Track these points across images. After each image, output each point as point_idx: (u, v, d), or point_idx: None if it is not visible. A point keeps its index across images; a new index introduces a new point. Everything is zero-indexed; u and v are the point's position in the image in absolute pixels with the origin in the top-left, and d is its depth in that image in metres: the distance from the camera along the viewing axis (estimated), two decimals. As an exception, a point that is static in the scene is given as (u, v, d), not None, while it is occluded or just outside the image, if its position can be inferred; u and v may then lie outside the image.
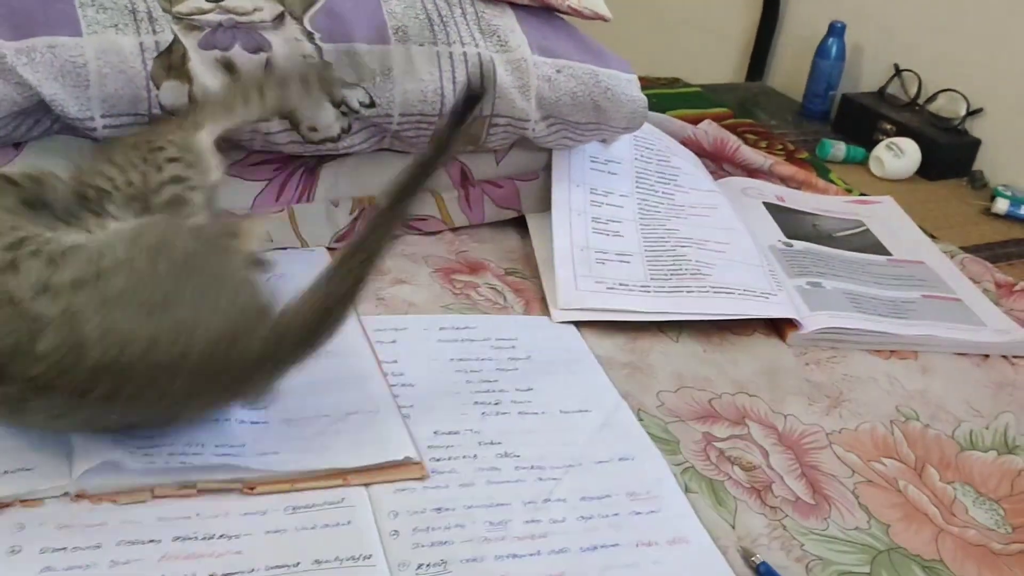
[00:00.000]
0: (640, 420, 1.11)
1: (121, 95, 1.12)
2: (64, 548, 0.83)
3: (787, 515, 1.01)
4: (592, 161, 1.46)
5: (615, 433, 1.08)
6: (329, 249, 1.31)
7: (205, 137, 1.09)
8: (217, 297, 0.90)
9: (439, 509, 0.94)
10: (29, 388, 0.83)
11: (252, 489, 0.92)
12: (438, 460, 1.00)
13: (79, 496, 0.88)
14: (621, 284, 1.30)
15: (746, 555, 0.95)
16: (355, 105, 1.23)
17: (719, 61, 2.46)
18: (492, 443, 1.03)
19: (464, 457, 1.01)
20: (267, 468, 0.94)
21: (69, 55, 1.09)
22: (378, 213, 0.97)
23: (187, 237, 0.95)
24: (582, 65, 1.33)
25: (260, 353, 0.89)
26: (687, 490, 1.02)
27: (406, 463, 0.98)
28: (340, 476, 0.95)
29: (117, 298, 0.84)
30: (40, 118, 1.12)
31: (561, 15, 1.39)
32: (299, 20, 1.21)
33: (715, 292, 1.30)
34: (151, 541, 0.86)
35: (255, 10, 1.20)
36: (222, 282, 0.92)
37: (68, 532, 0.85)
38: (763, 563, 0.93)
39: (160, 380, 0.85)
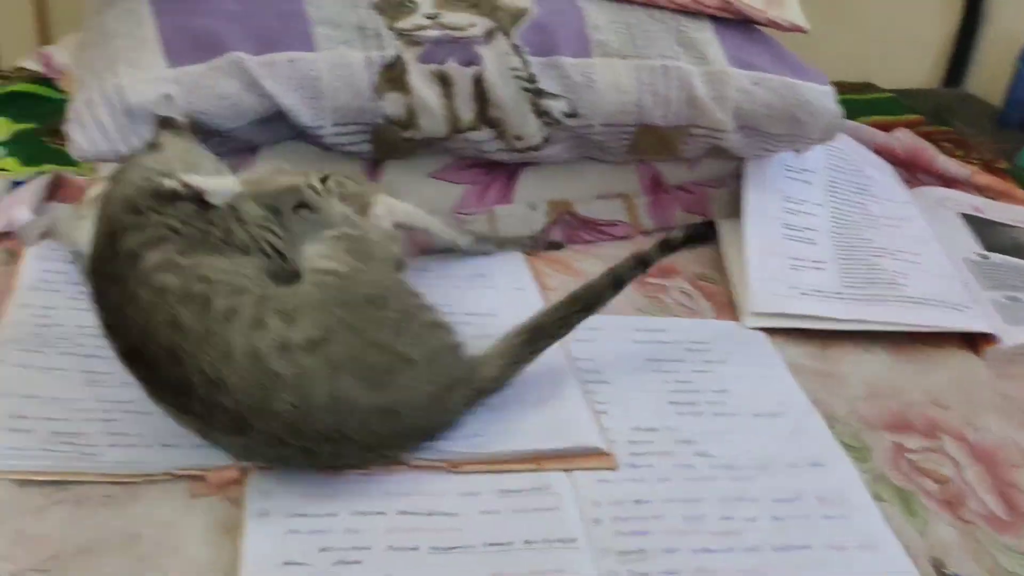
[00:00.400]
0: (831, 427, 1.13)
1: (350, 106, 1.22)
2: (304, 514, 0.93)
3: (980, 528, 1.01)
4: (786, 170, 1.47)
5: (806, 438, 1.10)
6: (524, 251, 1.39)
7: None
8: (427, 356, 0.97)
9: (638, 501, 0.99)
10: (264, 441, 0.91)
11: (456, 467, 1.00)
12: (637, 455, 1.05)
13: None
14: (815, 290, 1.32)
15: (937, 565, 0.96)
16: (558, 115, 1.29)
17: (912, 65, 2.41)
18: (687, 441, 1.08)
19: (661, 453, 1.05)
20: (470, 449, 1.02)
21: (306, 68, 1.20)
22: (567, 304, 1.09)
23: (392, 283, 1.04)
24: (779, 78, 1.35)
25: (464, 407, 1.00)
26: (877, 498, 1.03)
27: (597, 453, 1.04)
28: (535, 460, 1.02)
29: (343, 364, 0.91)
30: (277, 125, 1.23)
31: (759, 27, 1.42)
32: (508, 35, 1.29)
33: (911, 303, 1.30)
34: (378, 513, 0.95)
35: (469, 26, 1.28)
36: (427, 334, 1.00)
37: (308, 499, 0.94)
38: (955, 575, 0.95)
39: (374, 443, 0.94)
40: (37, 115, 1.45)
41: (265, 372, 0.88)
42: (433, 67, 1.25)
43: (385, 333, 0.95)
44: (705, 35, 1.36)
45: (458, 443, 1.03)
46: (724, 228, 1.46)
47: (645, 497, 1.00)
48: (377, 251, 1.08)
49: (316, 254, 1.03)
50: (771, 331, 1.28)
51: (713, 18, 1.38)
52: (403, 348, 0.95)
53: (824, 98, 1.38)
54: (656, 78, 1.32)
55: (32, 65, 1.57)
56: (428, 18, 1.28)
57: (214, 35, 1.20)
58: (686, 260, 1.41)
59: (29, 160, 1.36)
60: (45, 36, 2.21)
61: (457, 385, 0.99)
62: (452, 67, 1.25)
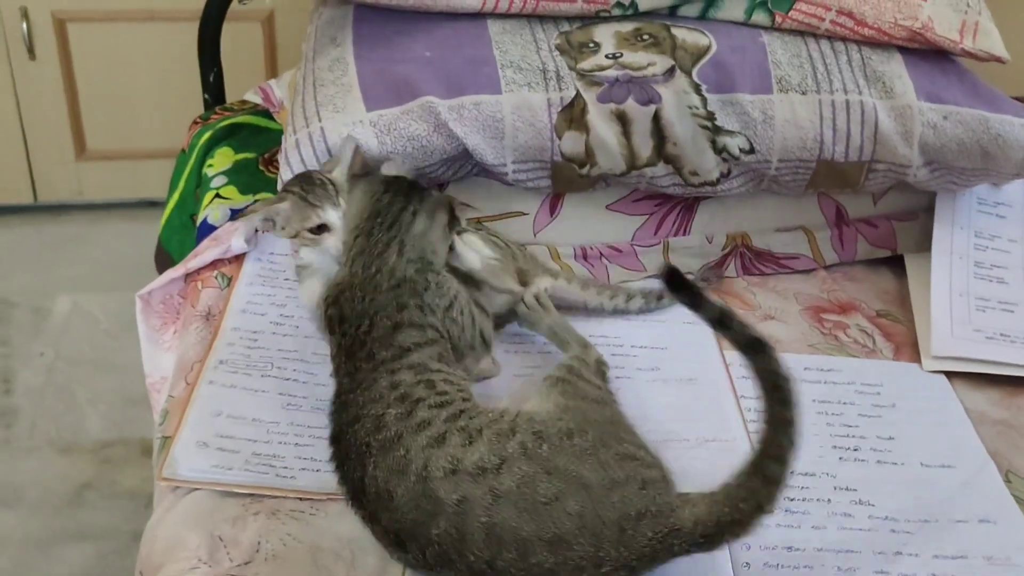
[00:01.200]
0: (1008, 482, 1.09)
1: (529, 145, 1.28)
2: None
3: None
4: (979, 203, 1.42)
5: (977, 492, 1.08)
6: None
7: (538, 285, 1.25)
8: (606, 482, 0.89)
9: (790, 548, 1.00)
10: (419, 561, 0.90)
11: None
12: (792, 500, 1.06)
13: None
14: (1002, 335, 1.27)
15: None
16: (735, 152, 1.31)
17: None
18: (847, 489, 1.07)
19: (818, 500, 1.06)
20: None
21: (490, 111, 1.27)
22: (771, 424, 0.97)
23: (599, 417, 0.98)
24: (971, 111, 1.30)
25: (660, 544, 0.89)
26: (1054, 562, 1.00)
27: (756, 496, 1.05)
28: (692, 503, 1.04)
29: (508, 495, 0.86)
30: (463, 163, 1.31)
31: (954, 57, 1.37)
32: (688, 73, 1.31)
33: (1108, 353, 1.24)
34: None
35: (649, 65, 1.31)
36: (616, 463, 0.91)
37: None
38: None
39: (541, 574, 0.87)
40: (256, 145, 1.59)
41: (428, 495, 0.87)
42: (612, 106, 1.29)
43: (565, 459, 0.89)
44: (892, 67, 1.33)
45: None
46: (912, 263, 1.42)
47: (798, 544, 1.01)
48: (591, 391, 1.04)
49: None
50: (953, 375, 1.24)
51: (903, 50, 1.35)
52: (580, 471, 0.88)
53: (1021, 131, 1.32)
54: (837, 113, 1.30)
55: (253, 98, 1.73)
56: (610, 58, 1.32)
57: (409, 80, 1.28)
58: (868, 295, 1.39)
59: (246, 189, 1.50)
60: (273, 70, 2.43)
61: (645, 517, 0.88)
62: (631, 106, 1.29)
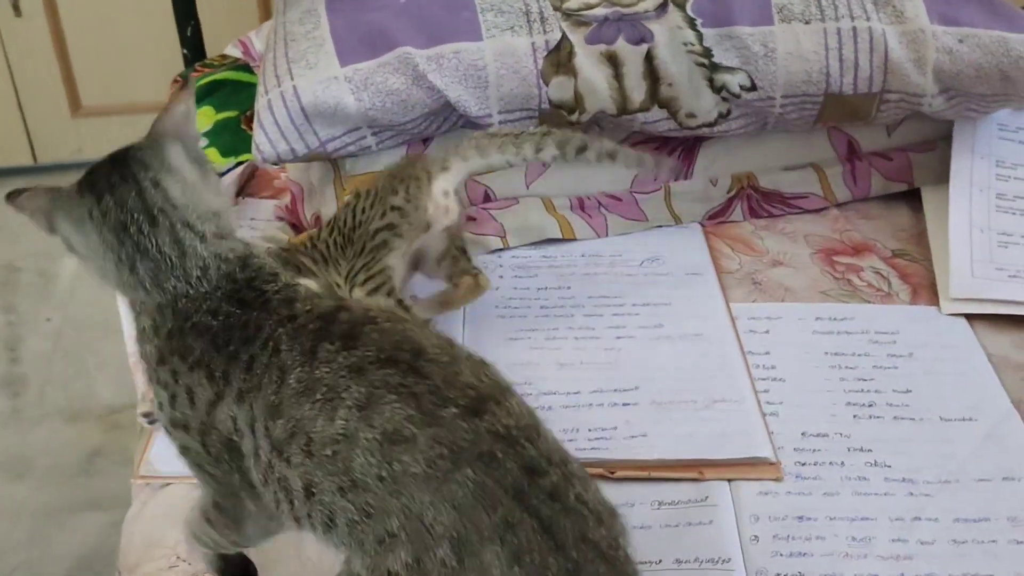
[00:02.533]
0: (1033, 433, 1.03)
1: (515, 93, 1.21)
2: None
3: None
4: (1000, 129, 1.33)
5: (1001, 447, 1.01)
6: (701, 224, 1.33)
7: (441, 183, 1.10)
8: None
9: (801, 517, 0.95)
10: None
11: (612, 473, 0.99)
12: (803, 464, 1.00)
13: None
14: (1026, 272, 1.20)
15: None
16: (736, 90, 1.22)
17: None
18: (862, 450, 1.02)
19: (831, 463, 1.00)
20: (631, 457, 1.00)
21: (471, 59, 1.19)
22: None
23: None
24: (989, 32, 1.21)
25: None
26: (1083, 518, 0.94)
27: (762, 462, 1.00)
28: (696, 468, 0.99)
29: None
30: (447, 116, 1.24)
31: (970, -28, 1.27)
32: (682, 7, 1.22)
33: None
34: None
35: (640, 1, 1.22)
36: None
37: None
38: None
39: None
40: (238, 102, 1.52)
41: None
42: (602, 48, 1.21)
43: None
44: (903, -12, 1.23)
45: (620, 444, 1.02)
46: (929, 197, 1.34)
47: (809, 513, 0.95)
48: None
49: None
50: (974, 317, 1.17)
51: (915, -33, 1.25)
52: None
53: (1044, 52, 1.22)
54: (844, 42, 1.21)
55: (234, 52, 1.65)
56: (597, -6, 1.23)
57: (384, 30, 1.21)
58: (884, 234, 1.32)
59: (228, 151, 1.44)
60: (268, 15, 2.33)
61: None
62: (621, 46, 1.21)
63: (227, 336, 0.75)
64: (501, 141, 1.10)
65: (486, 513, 0.68)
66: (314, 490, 0.71)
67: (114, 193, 0.77)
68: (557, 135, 1.09)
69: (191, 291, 0.77)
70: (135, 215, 0.77)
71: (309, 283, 0.89)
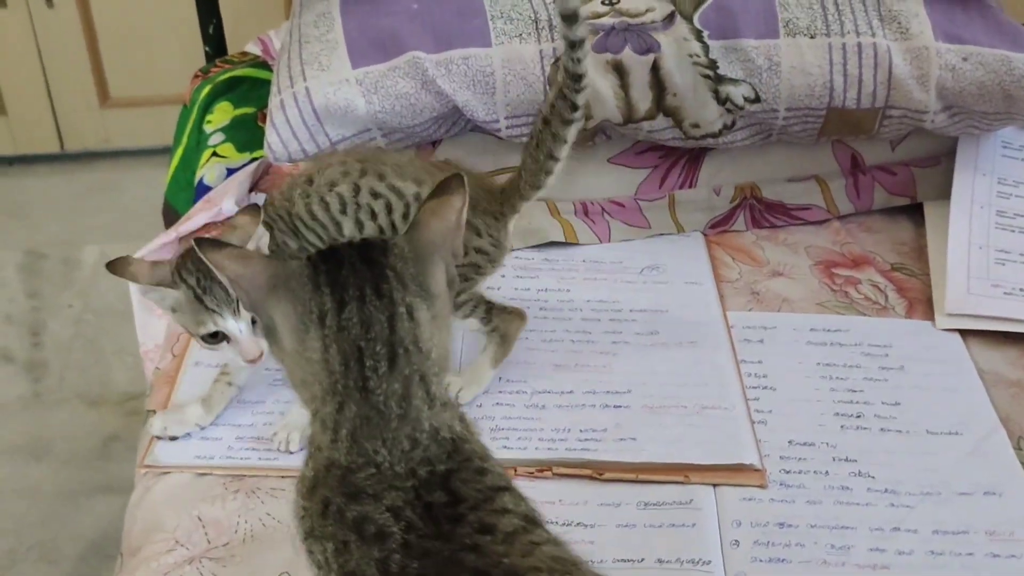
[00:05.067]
0: (1018, 449, 1.04)
1: (522, 99, 1.23)
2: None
3: None
4: (1004, 147, 1.34)
5: (984, 462, 1.03)
6: (703, 234, 1.35)
7: (512, 224, 1.10)
8: None
9: (782, 524, 0.97)
10: None
11: (601, 474, 1.01)
12: (788, 472, 1.02)
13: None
14: (1022, 290, 1.21)
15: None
16: (740, 101, 1.24)
17: None
18: (847, 460, 1.03)
19: (815, 472, 1.02)
20: (619, 459, 1.02)
21: (480, 65, 1.22)
22: None
23: None
24: (993, 51, 1.22)
25: None
26: (1060, 538, 0.95)
27: (747, 469, 1.02)
28: (683, 472, 1.02)
29: None
30: (455, 120, 1.26)
31: (976, -9, 1.28)
32: (689, 19, 1.24)
33: None
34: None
35: (647, 11, 1.25)
36: None
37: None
38: None
39: None
40: (256, 99, 1.55)
41: None
42: (608, 56, 1.23)
43: None
44: (909, 4, 1.25)
45: (610, 447, 1.05)
46: (931, 212, 1.35)
47: (790, 521, 0.97)
48: None
49: None
50: (968, 333, 1.18)
51: (922, -15, 1.27)
52: None
53: (1047, 72, 1.23)
54: (849, 57, 1.23)
55: (254, 49, 1.68)
56: (606, 4, 1.25)
57: (395, 34, 1.24)
58: (884, 247, 1.33)
59: (244, 146, 1.47)
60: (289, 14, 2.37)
61: None
62: (628, 55, 1.23)
63: (401, 565, 0.58)
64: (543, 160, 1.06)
65: None
66: None
67: (363, 308, 0.63)
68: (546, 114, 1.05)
69: (385, 466, 0.62)
70: (377, 348, 0.63)
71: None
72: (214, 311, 0.94)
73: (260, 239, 0.99)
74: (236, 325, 0.95)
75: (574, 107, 1.01)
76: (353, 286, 0.64)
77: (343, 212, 1.06)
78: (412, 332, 0.63)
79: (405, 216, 1.05)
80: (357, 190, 1.06)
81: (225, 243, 0.68)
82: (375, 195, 1.06)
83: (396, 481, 0.61)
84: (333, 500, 0.62)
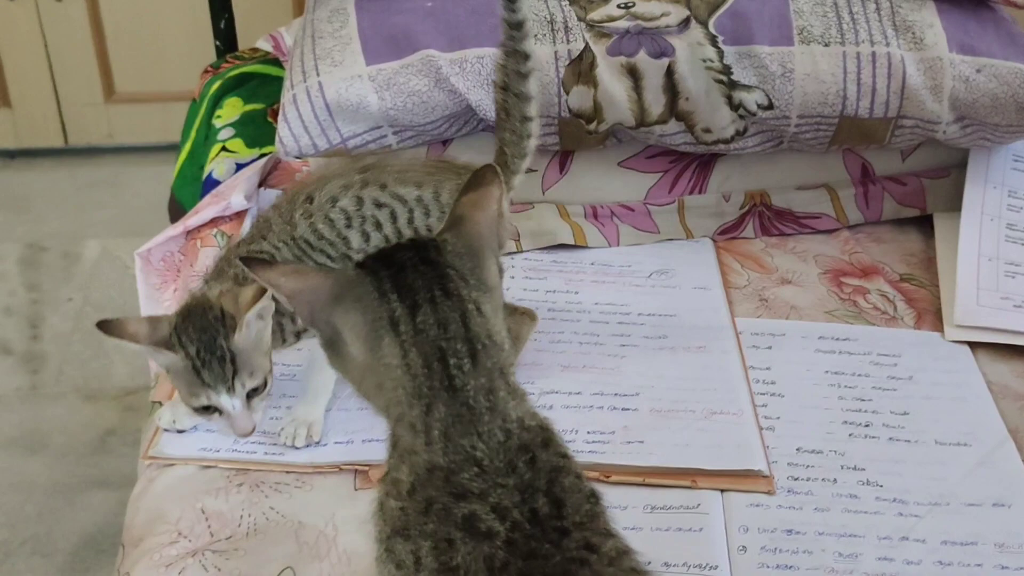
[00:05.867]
0: (1027, 461, 1.04)
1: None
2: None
3: None
4: (1015, 160, 1.34)
5: (993, 473, 1.02)
6: (713, 240, 1.35)
7: (507, 200, 1.05)
8: None
9: (789, 531, 0.96)
10: None
11: (608, 477, 1.01)
12: (796, 479, 1.01)
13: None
14: (1031, 303, 1.20)
15: None
16: (752, 107, 1.24)
17: None
18: (855, 468, 1.03)
19: (823, 480, 1.01)
20: (627, 462, 1.02)
21: (493, 65, 1.21)
22: None
23: None
24: (1007, 63, 1.22)
25: None
26: (1070, 550, 0.95)
27: (755, 475, 1.01)
28: (691, 477, 1.01)
29: None
30: (467, 119, 1.26)
31: (993, 5, 1.28)
32: (704, 24, 1.24)
33: None
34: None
35: (663, 15, 1.24)
36: None
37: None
38: None
39: None
40: (266, 95, 1.55)
41: None
42: (623, 60, 1.23)
43: None
44: (924, 15, 1.25)
45: (618, 449, 1.04)
46: (941, 223, 1.35)
47: (798, 527, 0.97)
48: None
49: None
50: (977, 345, 1.18)
51: (937, -4, 1.27)
52: None
53: (1061, 86, 1.23)
54: (863, 66, 1.23)
55: (264, 46, 1.68)
56: (621, 7, 1.25)
57: (409, 32, 1.23)
58: (893, 258, 1.33)
59: (253, 142, 1.47)
60: (301, 11, 2.37)
61: None
62: (642, 59, 1.23)
63: (505, 561, 0.58)
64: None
65: None
66: None
67: (436, 309, 0.64)
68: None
69: (486, 462, 0.62)
70: (457, 346, 0.64)
71: None
72: (210, 387, 0.92)
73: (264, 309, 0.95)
74: (231, 402, 0.93)
75: (525, 56, 1.01)
76: (422, 288, 0.64)
77: (349, 226, 1.03)
78: (484, 327, 0.64)
79: (410, 221, 1.03)
80: (360, 203, 1.03)
81: (274, 261, 0.70)
82: (379, 205, 1.03)
83: (499, 478, 0.62)
84: (438, 500, 0.62)
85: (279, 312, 0.98)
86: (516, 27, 1.01)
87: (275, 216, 1.05)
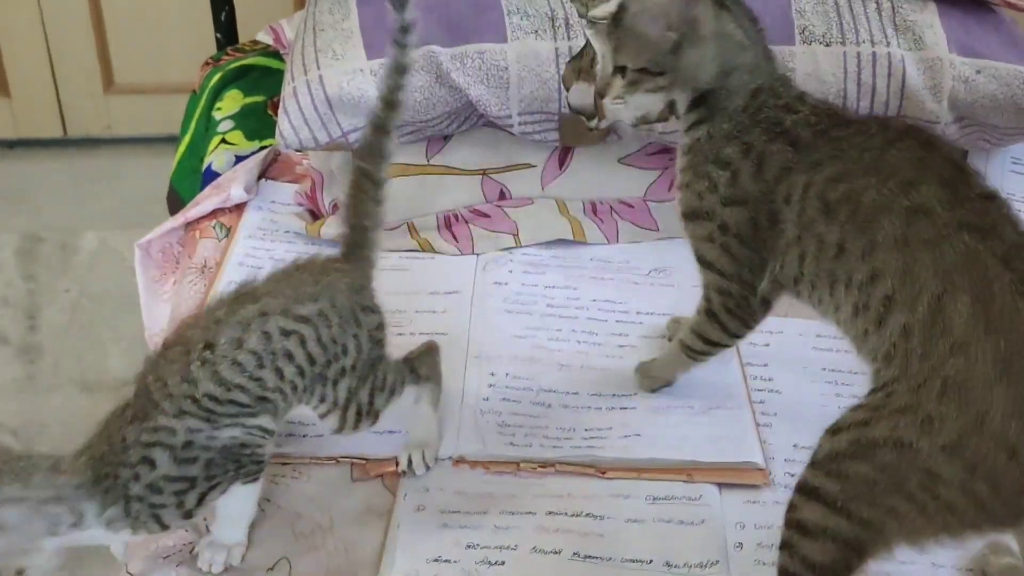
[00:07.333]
0: (1022, 461, 1.04)
1: (536, 96, 1.23)
2: (457, 511, 0.98)
3: None
4: (1013, 163, 1.35)
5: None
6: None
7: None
8: None
9: (785, 527, 0.96)
10: None
11: (604, 473, 1.01)
12: (792, 475, 1.01)
13: (459, 461, 1.03)
14: None
15: None
16: (753, 106, 1.24)
17: None
18: (851, 466, 1.03)
19: (819, 477, 1.02)
20: (624, 455, 1.03)
21: (494, 60, 1.22)
22: None
23: None
24: (1007, 65, 1.22)
25: None
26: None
27: (751, 467, 1.02)
28: (686, 472, 1.02)
29: None
30: (468, 115, 1.26)
31: (994, 6, 1.29)
32: (705, 21, 1.24)
33: None
34: (528, 513, 0.98)
35: (664, 12, 1.24)
36: None
37: (461, 498, 1.00)
38: None
39: None
40: (266, 88, 1.56)
41: None
42: (623, 56, 1.22)
43: None
44: (924, 16, 1.25)
45: (614, 444, 1.04)
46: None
47: (794, 524, 0.97)
48: None
49: None
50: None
51: (938, -3, 1.27)
52: None
53: (1061, 88, 1.24)
54: (863, 66, 1.23)
55: (265, 38, 1.68)
56: (623, 4, 1.25)
57: (411, 26, 1.23)
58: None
59: (253, 134, 1.47)
60: (303, 3, 2.37)
61: None
62: (643, 56, 1.22)
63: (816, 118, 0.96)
64: None
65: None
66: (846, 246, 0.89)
67: None
68: None
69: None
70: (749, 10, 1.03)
71: None
72: None
73: None
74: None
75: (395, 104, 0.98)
76: None
77: (261, 367, 0.90)
78: None
79: (318, 340, 0.92)
80: (269, 338, 0.90)
81: None
82: (286, 333, 0.91)
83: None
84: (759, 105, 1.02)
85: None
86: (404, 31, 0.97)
87: (160, 380, 0.93)
